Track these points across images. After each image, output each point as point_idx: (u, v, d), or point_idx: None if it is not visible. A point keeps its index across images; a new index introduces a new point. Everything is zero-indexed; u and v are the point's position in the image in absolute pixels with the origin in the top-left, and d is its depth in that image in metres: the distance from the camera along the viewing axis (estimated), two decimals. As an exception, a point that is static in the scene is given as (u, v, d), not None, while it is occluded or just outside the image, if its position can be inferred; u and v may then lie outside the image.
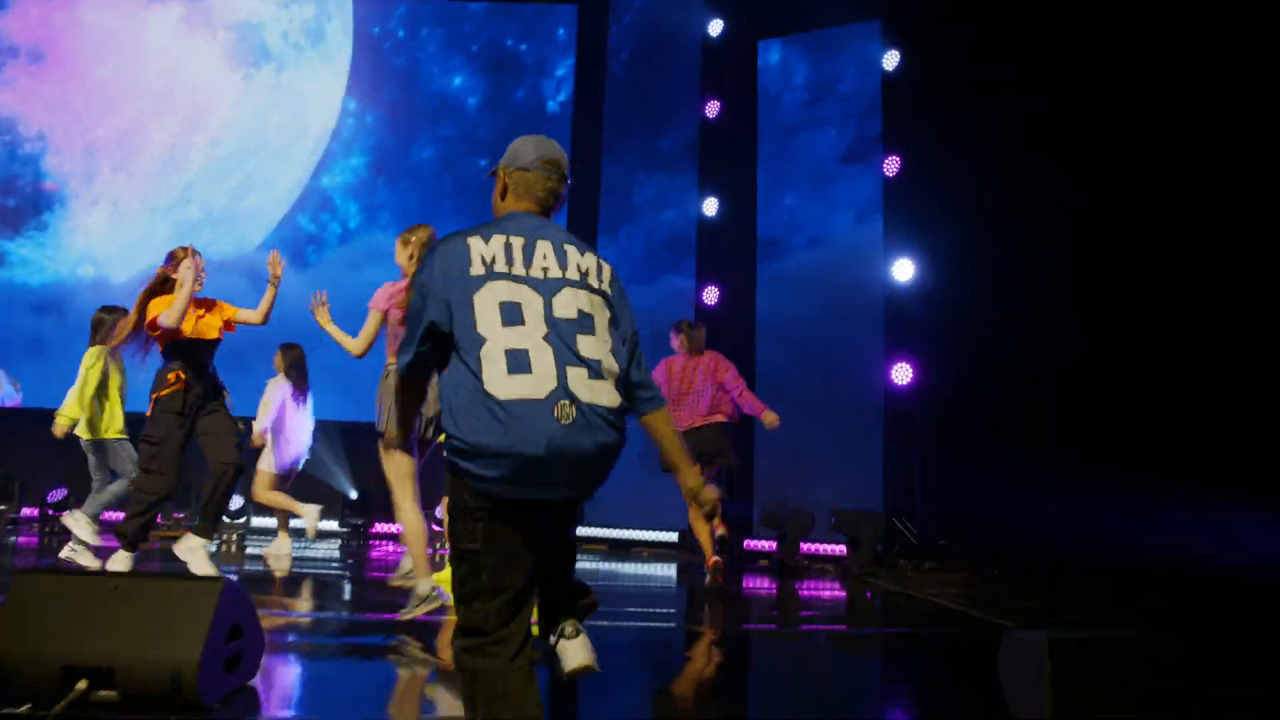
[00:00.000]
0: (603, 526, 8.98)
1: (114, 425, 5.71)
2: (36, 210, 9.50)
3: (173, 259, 4.78)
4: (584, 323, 2.15)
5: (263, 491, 6.67)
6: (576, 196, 9.42)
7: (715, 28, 9.29)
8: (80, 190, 9.48)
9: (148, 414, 4.70)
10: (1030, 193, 7.69)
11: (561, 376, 2.03)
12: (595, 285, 2.24)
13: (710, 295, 8.99)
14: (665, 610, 5.35)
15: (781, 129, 9.08)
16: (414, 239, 4.05)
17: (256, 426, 6.63)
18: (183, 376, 4.64)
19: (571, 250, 2.25)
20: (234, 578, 4.61)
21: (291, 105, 9.54)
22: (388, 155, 9.42)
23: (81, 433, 5.69)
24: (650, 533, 8.88)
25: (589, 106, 9.61)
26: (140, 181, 9.44)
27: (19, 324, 9.20)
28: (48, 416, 5.73)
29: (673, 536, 8.82)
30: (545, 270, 2.17)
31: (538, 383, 2.01)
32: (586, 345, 2.12)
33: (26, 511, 8.27)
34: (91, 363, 5.60)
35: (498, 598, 2.03)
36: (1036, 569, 7.13)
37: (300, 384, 6.81)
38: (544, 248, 2.21)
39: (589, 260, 2.27)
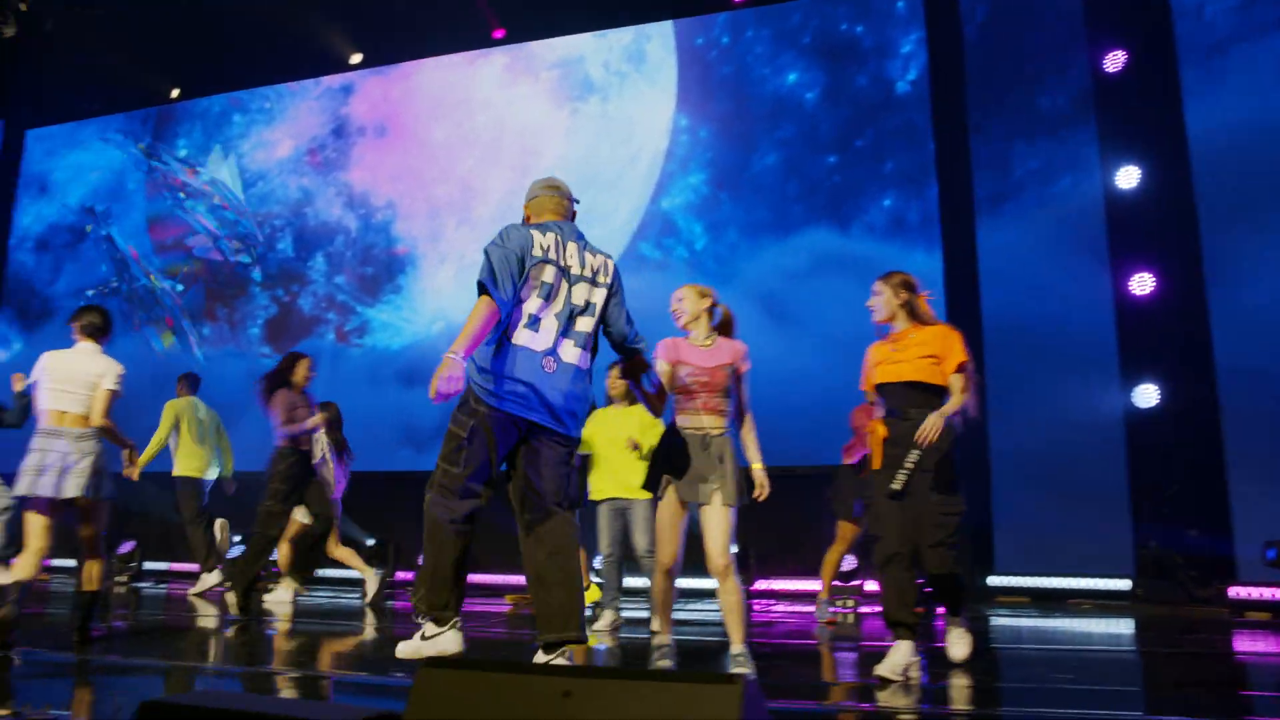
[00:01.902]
0: (1026, 575, 7.54)
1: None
2: (390, 275, 9.90)
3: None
4: (586, 309, 3.29)
5: (334, 546, 6.95)
6: (946, 181, 8.30)
7: (1102, -38, 7.86)
8: (428, 250, 9.76)
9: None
10: None
11: (556, 342, 3.22)
12: (601, 281, 3.34)
13: (1141, 283, 7.43)
14: (1121, 686, 3.92)
15: (1205, 49, 7.42)
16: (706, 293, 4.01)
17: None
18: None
19: (587, 254, 3.34)
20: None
21: (621, 132, 9.27)
22: (727, 168, 8.83)
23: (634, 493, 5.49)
24: (1092, 580, 7.33)
25: (946, 80, 8.49)
26: (481, 232, 9.54)
27: (390, 395, 9.51)
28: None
29: (1123, 584, 7.21)
30: (569, 267, 3.27)
31: (540, 339, 3.19)
32: (581, 324, 3.28)
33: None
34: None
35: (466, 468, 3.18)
36: None
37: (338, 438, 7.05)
38: (572, 249, 3.30)
39: (598, 260, 3.37)
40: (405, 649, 3.27)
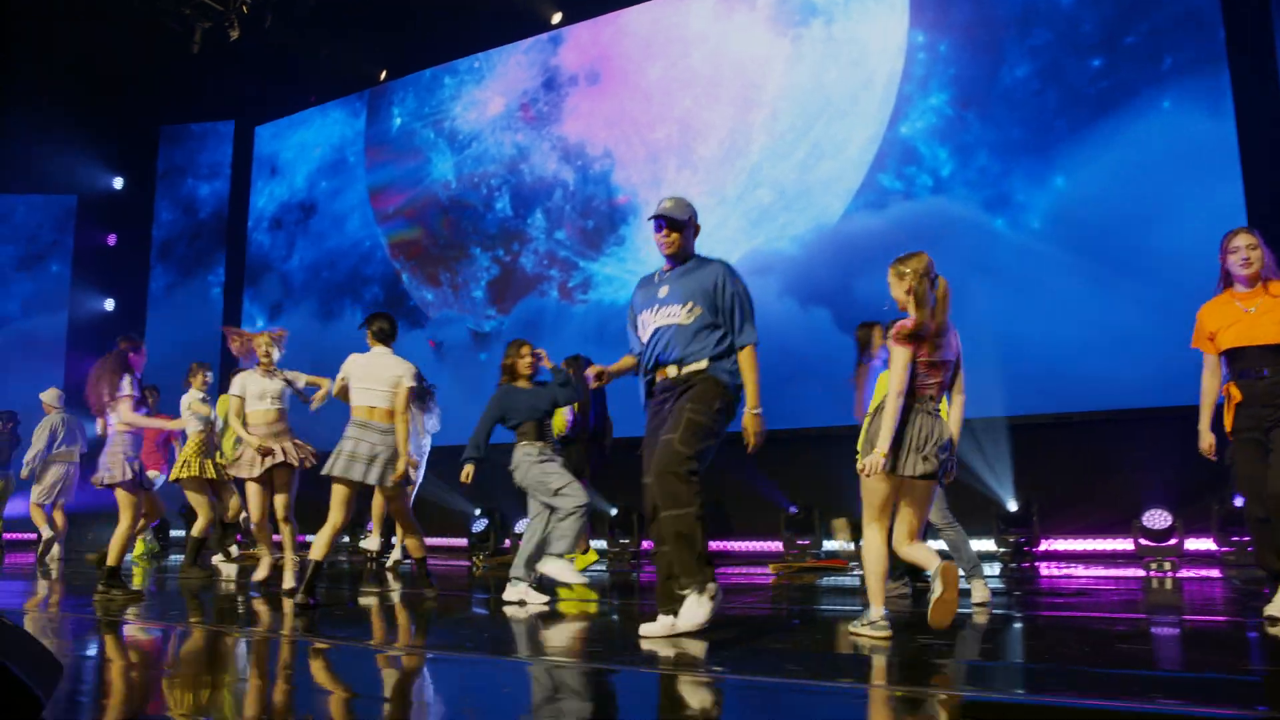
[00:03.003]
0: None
1: None
2: (613, 226, 9.84)
3: None
4: None
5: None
6: (1242, 73, 7.32)
7: None
8: (649, 197, 9.60)
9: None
10: None
11: None
12: None
13: None
14: None
15: None
16: (908, 269, 3.55)
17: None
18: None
19: None
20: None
21: (850, 56, 8.74)
22: (973, 84, 8.16)
23: None
24: None
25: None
26: (705, 174, 9.30)
27: (618, 346, 9.46)
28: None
29: None
30: None
31: None
32: None
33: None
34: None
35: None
36: None
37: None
38: None
39: None
40: (653, 629, 3.52)
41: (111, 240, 13.97)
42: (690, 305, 3.69)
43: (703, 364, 3.68)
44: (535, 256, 10.35)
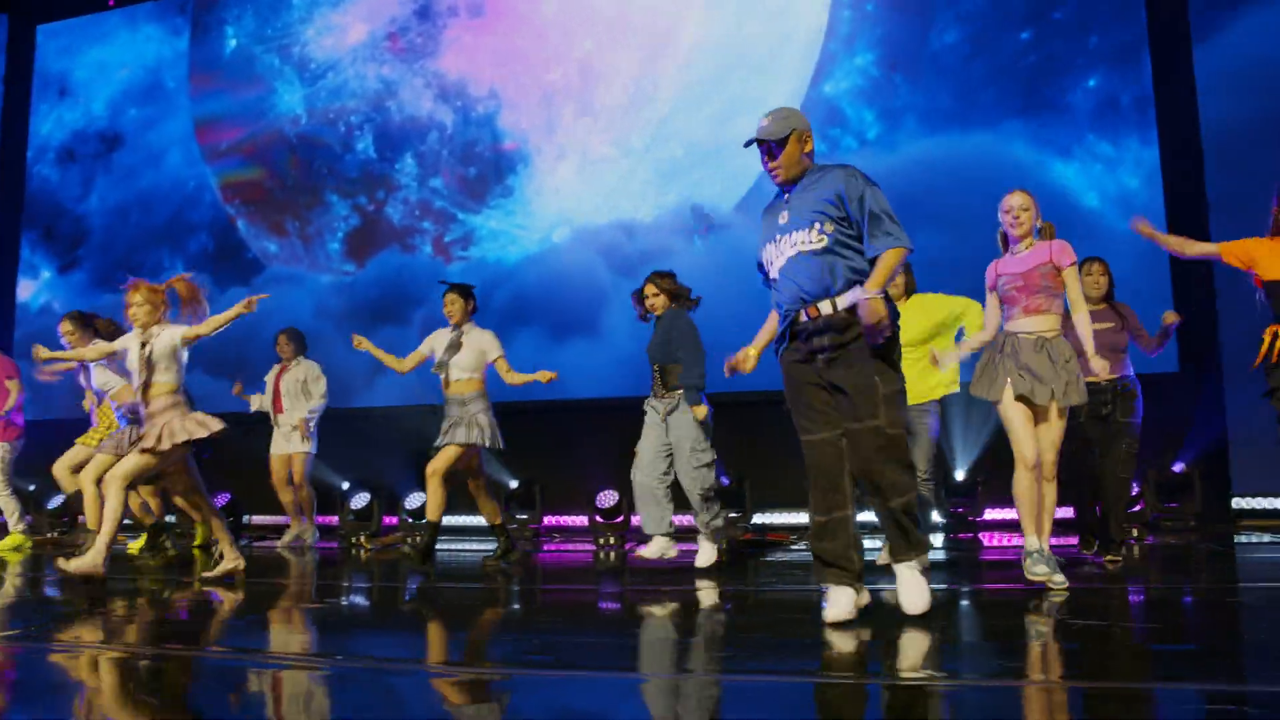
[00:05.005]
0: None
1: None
2: (499, 175, 8.98)
3: None
4: None
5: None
6: (1162, 55, 7.48)
7: None
8: (542, 144, 8.83)
9: None
10: None
11: None
12: None
13: None
14: None
15: None
16: None
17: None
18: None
19: None
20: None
21: (771, 6, 8.33)
22: (901, 46, 7.95)
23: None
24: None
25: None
26: (608, 122, 8.64)
27: (506, 311, 8.66)
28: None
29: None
30: None
31: None
32: None
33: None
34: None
35: None
36: None
37: None
38: None
39: None
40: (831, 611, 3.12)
41: None
42: (817, 225, 3.11)
43: (859, 293, 3.10)
44: (405, 206, 9.32)
